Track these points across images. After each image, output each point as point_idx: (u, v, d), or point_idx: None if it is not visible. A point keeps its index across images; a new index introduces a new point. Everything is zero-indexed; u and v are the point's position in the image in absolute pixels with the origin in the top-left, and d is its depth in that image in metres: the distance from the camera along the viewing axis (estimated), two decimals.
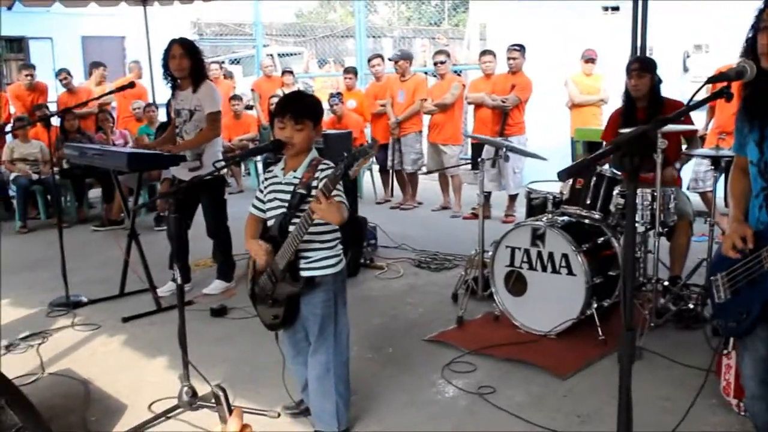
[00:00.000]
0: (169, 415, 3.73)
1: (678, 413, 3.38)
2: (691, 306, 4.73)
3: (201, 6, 10.83)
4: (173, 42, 5.49)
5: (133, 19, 11.60)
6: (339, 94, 9.51)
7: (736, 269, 2.66)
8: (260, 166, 10.98)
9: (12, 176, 8.84)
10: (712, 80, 2.19)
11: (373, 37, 21.94)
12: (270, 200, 3.33)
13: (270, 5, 14.60)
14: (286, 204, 3.23)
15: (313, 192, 3.05)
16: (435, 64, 8.83)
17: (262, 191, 3.41)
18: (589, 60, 8.87)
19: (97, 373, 4.31)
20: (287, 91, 10.78)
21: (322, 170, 3.19)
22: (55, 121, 9.46)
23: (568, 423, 3.54)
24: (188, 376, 3.77)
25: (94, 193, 9.83)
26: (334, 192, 2.92)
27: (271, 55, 15.72)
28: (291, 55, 19.52)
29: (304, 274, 3.23)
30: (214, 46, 18.70)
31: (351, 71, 10.22)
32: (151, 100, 10.51)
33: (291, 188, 3.24)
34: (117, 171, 5.83)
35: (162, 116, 9.90)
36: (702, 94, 2.27)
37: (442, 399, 3.89)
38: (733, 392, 3.62)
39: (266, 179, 3.42)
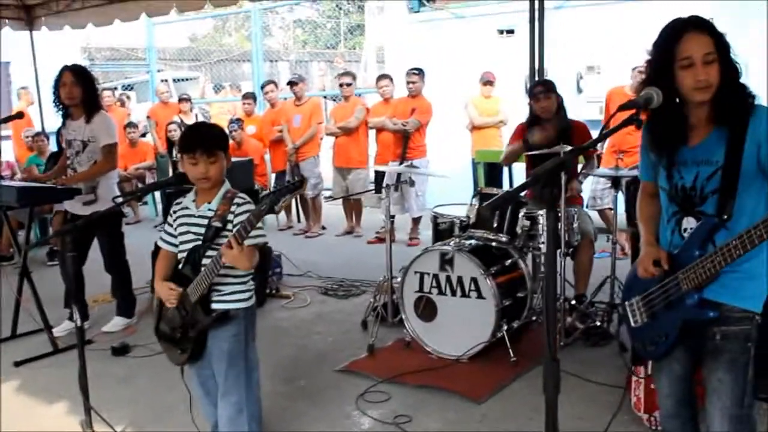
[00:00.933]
0: None
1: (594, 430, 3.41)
2: (598, 323, 4.82)
3: (91, 30, 10.45)
4: (64, 69, 5.26)
5: (18, 44, 11.12)
6: (239, 120, 9.35)
7: (652, 293, 2.67)
8: (158, 195, 10.70)
9: None
10: (623, 108, 2.21)
11: (270, 60, 21.81)
12: (182, 233, 3.22)
13: (163, 29, 14.30)
14: (201, 237, 3.13)
15: (229, 226, 3.03)
16: (341, 85, 8.81)
17: (171, 224, 3.29)
18: (488, 82, 9.01)
19: None
20: (185, 118, 10.56)
21: (239, 204, 3.12)
22: None
23: None
24: (90, 423, 3.58)
25: None
26: (253, 232, 2.88)
27: (166, 80, 15.40)
28: (186, 80, 19.17)
29: (215, 306, 3.14)
30: (105, 72, 18.20)
31: (250, 96, 10.09)
32: (39, 129, 10.07)
33: (205, 221, 3.14)
34: (6, 206, 5.51)
35: (53, 146, 9.52)
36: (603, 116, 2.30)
37: (359, 431, 3.82)
38: (644, 407, 3.69)
39: (174, 212, 3.28)
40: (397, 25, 11.32)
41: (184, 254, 3.21)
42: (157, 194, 10.72)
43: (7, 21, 9.65)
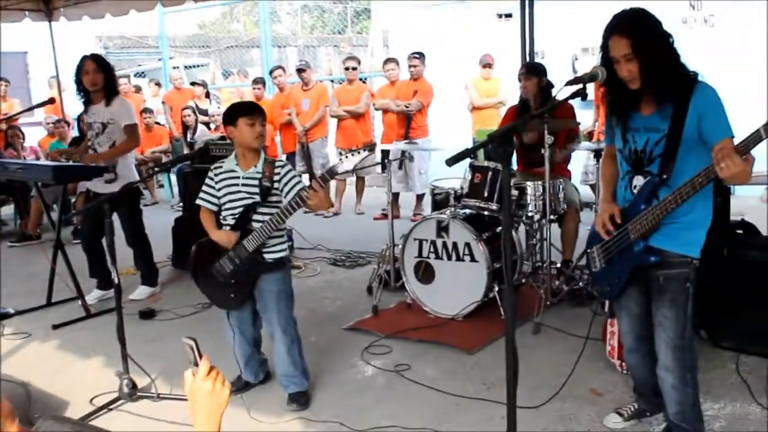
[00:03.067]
0: (111, 407, 4.00)
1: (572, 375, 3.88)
2: (581, 285, 5.26)
3: (106, 20, 10.86)
4: (86, 58, 5.69)
5: (34, 34, 11.56)
6: None
7: (608, 242, 3.15)
8: (174, 178, 11.15)
9: None
10: (570, 83, 2.66)
11: (278, 46, 22.15)
12: (229, 193, 3.79)
13: (173, 17, 14.73)
14: (253, 195, 3.73)
15: (276, 185, 3.71)
16: (346, 69, 9.25)
17: (212, 187, 3.86)
18: (487, 65, 9.43)
19: (33, 378, 4.49)
20: (199, 102, 11.02)
21: (281, 167, 3.77)
22: None
23: (476, 391, 3.99)
24: (127, 369, 4.07)
25: (5, 211, 9.83)
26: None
27: (177, 67, 15.83)
28: (197, 66, 19.57)
29: (269, 257, 3.77)
30: (118, 60, 18.62)
31: (260, 81, 10.52)
32: (60, 116, 10.53)
33: (254, 182, 3.73)
34: (42, 184, 5.98)
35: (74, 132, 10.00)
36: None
37: (363, 378, 4.31)
38: (617, 355, 4.14)
39: (216, 175, 3.86)
40: (401, 10, 11.74)
41: (232, 211, 3.79)
42: (173, 177, 11.18)
43: (27, 12, 10.09)
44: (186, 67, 18.36)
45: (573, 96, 2.56)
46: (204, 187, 3.91)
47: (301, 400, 3.92)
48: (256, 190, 3.76)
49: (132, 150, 5.81)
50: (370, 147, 3.59)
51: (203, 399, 1.75)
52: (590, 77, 2.63)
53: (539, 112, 2.44)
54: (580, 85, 2.56)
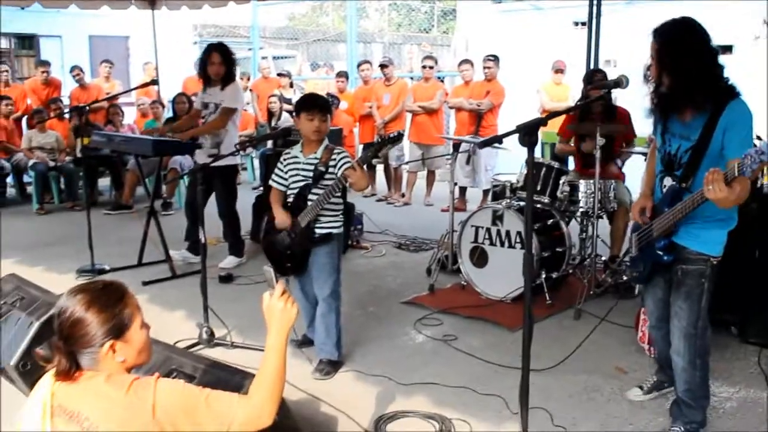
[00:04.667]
0: (191, 350, 4.57)
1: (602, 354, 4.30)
2: (625, 278, 5.61)
3: (203, 10, 11.57)
4: (212, 48, 6.34)
5: (136, 20, 12.40)
6: (334, 96, 10.39)
7: (641, 233, 3.55)
8: (257, 162, 11.81)
9: (30, 163, 9.64)
10: (595, 87, 3.09)
11: (364, 42, 22.70)
12: (292, 176, 4.31)
13: (264, 8, 15.44)
14: (308, 178, 4.23)
15: (331, 170, 4.17)
16: (423, 67, 9.78)
17: (282, 170, 4.38)
18: (559, 70, 9.80)
19: None
20: (284, 92, 11.67)
21: (338, 153, 4.23)
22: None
23: (512, 361, 4.40)
24: (207, 318, 4.65)
25: (102, 182, 10.66)
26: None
27: (266, 57, 16.56)
28: (285, 57, 20.32)
29: (318, 231, 4.24)
30: None
31: (343, 75, 11.11)
32: (155, 98, 11.32)
33: (311, 166, 4.23)
34: (141, 156, 6.65)
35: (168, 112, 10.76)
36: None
37: (414, 343, 4.80)
38: (647, 340, 4.51)
39: (284, 160, 4.39)
40: (481, 14, 12.16)
41: (293, 191, 4.30)
42: (256, 161, 11.84)
43: (133, 1, 10.90)
44: (274, 57, 19.11)
45: (595, 100, 2.98)
46: (275, 170, 4.44)
47: (325, 368, 4.30)
48: (311, 173, 4.24)
49: (217, 129, 6.33)
50: (397, 137, 3.99)
51: (276, 314, 2.28)
52: (615, 83, 3.03)
53: (568, 109, 2.79)
54: (605, 90, 2.98)
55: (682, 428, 3.46)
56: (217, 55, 6.28)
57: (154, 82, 6.87)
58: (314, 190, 4.21)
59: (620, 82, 2.98)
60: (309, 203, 4.22)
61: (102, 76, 11.97)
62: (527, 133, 2.50)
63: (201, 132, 6.31)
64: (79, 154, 9.71)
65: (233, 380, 2.89)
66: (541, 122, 2.58)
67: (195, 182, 6.06)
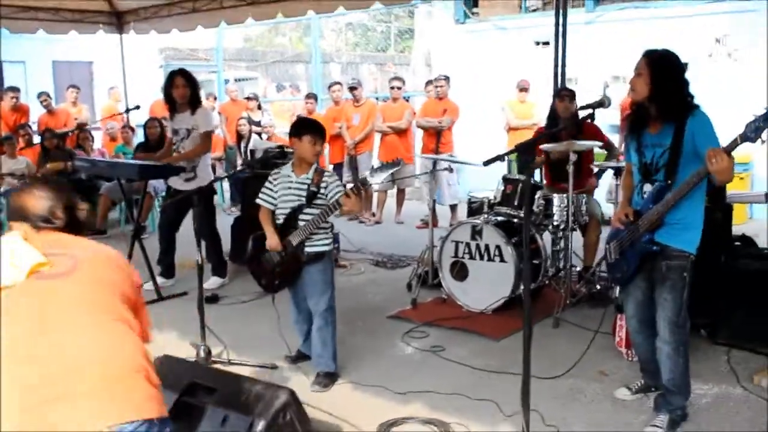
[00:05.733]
0: None
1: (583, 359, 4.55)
2: (599, 287, 5.89)
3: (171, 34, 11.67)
4: (175, 73, 6.50)
5: (100, 45, 12.45)
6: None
7: (621, 238, 3.85)
8: (226, 184, 11.91)
9: (1, 189, 9.63)
10: (581, 108, 3.36)
11: (322, 62, 22.94)
12: (283, 194, 4.47)
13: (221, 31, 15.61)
14: (301, 198, 4.40)
15: (322, 191, 4.37)
16: (391, 88, 10.07)
17: (271, 189, 4.54)
18: (523, 89, 10.15)
19: None
20: (252, 114, 11.83)
21: (329, 176, 4.46)
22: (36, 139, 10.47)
23: (499, 367, 4.65)
24: (204, 337, 4.80)
25: None
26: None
27: (228, 80, 16.70)
28: (246, 79, 20.45)
29: (309, 250, 4.42)
30: None
31: (312, 97, 11.31)
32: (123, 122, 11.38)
33: (303, 186, 4.41)
34: (126, 180, 6.77)
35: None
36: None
37: (403, 355, 5.02)
38: (624, 344, 4.79)
39: (275, 179, 4.55)
40: (443, 33, 12.47)
41: (283, 210, 4.47)
42: (225, 184, 11.93)
43: (101, 25, 10.99)
44: (236, 80, 19.25)
45: (585, 119, 3.25)
46: (264, 189, 4.59)
47: (323, 381, 4.48)
48: (304, 193, 4.43)
49: (204, 153, 6.55)
50: (395, 162, 4.32)
51: None
52: (599, 104, 3.32)
53: (551, 132, 3.07)
54: (590, 110, 3.25)
55: (668, 416, 3.75)
56: (180, 79, 6.44)
57: (137, 107, 6.97)
58: (306, 210, 4.39)
59: (603, 102, 3.25)
60: (300, 223, 4.40)
61: (69, 101, 12.02)
62: (524, 151, 2.74)
63: (186, 158, 6.43)
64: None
65: (254, 389, 3.06)
66: (536, 141, 2.82)
67: (179, 208, 6.28)
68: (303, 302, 4.62)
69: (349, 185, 4.42)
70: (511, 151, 2.92)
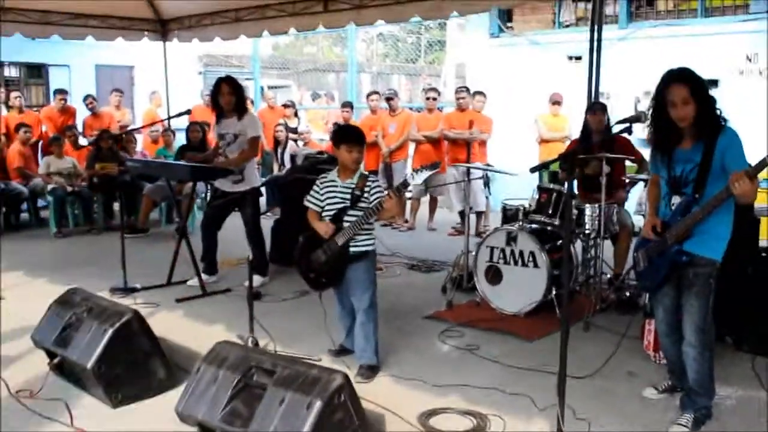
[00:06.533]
0: None
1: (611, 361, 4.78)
2: (628, 294, 6.11)
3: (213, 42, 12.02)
4: (221, 81, 6.82)
5: (141, 51, 12.86)
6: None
7: (650, 248, 4.07)
8: (263, 189, 12.19)
9: (49, 188, 10.03)
10: (619, 122, 3.60)
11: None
12: (329, 198, 4.76)
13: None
14: (346, 201, 4.68)
15: (365, 195, 4.64)
16: (427, 98, 10.39)
17: (318, 192, 4.83)
18: (556, 102, 10.39)
19: (168, 336, 5.46)
20: (288, 121, 12.15)
21: (372, 181, 4.72)
22: (83, 141, 10.86)
23: (533, 365, 4.89)
24: (252, 329, 5.07)
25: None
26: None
27: (263, 87, 17.07)
28: (279, 87, 20.81)
29: (354, 250, 4.68)
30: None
31: (348, 105, 11.61)
32: (166, 125, 11.74)
33: (348, 191, 4.69)
34: (179, 181, 7.08)
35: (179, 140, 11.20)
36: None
37: (440, 352, 5.28)
38: (652, 348, 5.00)
39: (322, 183, 4.84)
40: (477, 46, 12.74)
41: (329, 212, 4.75)
42: (263, 188, 12.22)
43: (146, 33, 11.39)
44: (269, 87, 19.62)
45: (621, 132, 3.49)
46: (311, 192, 4.88)
47: (366, 373, 4.72)
48: (349, 197, 4.70)
49: (254, 158, 6.87)
50: (435, 164, 4.57)
51: None
52: (635, 119, 3.55)
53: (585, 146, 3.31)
54: (627, 124, 3.49)
55: (693, 415, 3.96)
56: (226, 86, 6.73)
57: (188, 111, 7.27)
58: (350, 212, 4.66)
59: (639, 118, 3.50)
60: (345, 224, 4.67)
61: (113, 105, 12.45)
62: (567, 160, 2.99)
63: (237, 162, 6.71)
64: (96, 180, 10.15)
65: (310, 373, 3.32)
66: (576, 152, 3.06)
67: (214, 207, 6.83)
68: (347, 299, 4.89)
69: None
70: (554, 161, 3.16)
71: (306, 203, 4.90)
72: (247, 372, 3.51)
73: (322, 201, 4.83)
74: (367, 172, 4.83)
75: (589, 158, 5.73)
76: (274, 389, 3.32)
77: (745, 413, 4.23)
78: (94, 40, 11.11)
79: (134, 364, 4.31)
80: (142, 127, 10.25)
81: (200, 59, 17.29)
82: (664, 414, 4.19)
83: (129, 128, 10.61)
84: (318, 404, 3.15)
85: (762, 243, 5.54)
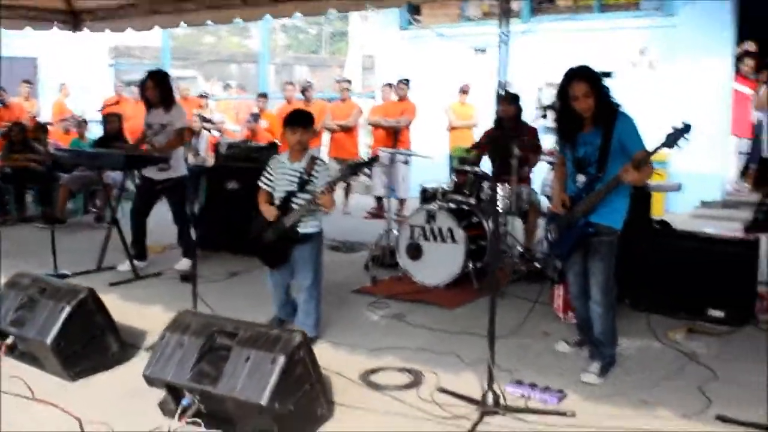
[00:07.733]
0: None
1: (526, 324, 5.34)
2: (537, 265, 6.69)
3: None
4: (148, 75, 7.13)
5: (45, 41, 12.66)
6: (257, 114, 11.18)
7: (560, 221, 4.60)
8: None
9: None
10: (539, 109, 4.11)
11: (254, 62, 23.39)
12: (279, 179, 5.08)
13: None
14: (294, 183, 5.00)
15: (313, 178, 4.94)
16: (342, 89, 10.77)
17: (270, 173, 5.14)
18: (464, 92, 11.00)
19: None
20: (202, 112, 12.33)
21: (319, 164, 5.05)
22: None
23: (456, 330, 5.38)
24: (195, 305, 5.35)
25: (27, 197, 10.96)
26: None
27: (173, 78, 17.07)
28: (184, 78, 20.75)
29: (301, 231, 5.02)
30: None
31: (263, 96, 11.91)
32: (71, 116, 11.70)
33: (296, 173, 5.02)
34: (111, 169, 7.26)
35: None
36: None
37: (371, 321, 5.75)
38: (561, 309, 5.60)
39: (273, 164, 5.17)
40: (387, 38, 13.23)
41: (280, 193, 5.06)
42: None
43: (55, 22, 11.27)
44: (176, 78, 19.55)
45: (537, 118, 4.00)
46: (264, 173, 5.19)
47: None
48: (296, 179, 5.04)
49: (178, 147, 7.12)
50: (373, 159, 4.97)
51: None
52: (551, 107, 4.09)
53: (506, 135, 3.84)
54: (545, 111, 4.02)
55: (600, 363, 4.52)
56: (150, 81, 7.07)
57: (117, 102, 7.46)
58: (299, 194, 4.99)
59: (554, 106, 4.02)
60: (294, 206, 5.00)
61: (22, 96, 12.32)
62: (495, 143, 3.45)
63: (164, 150, 6.96)
64: (8, 171, 10.10)
65: (271, 333, 3.69)
66: (501, 138, 3.53)
67: (142, 195, 7.17)
68: (284, 274, 5.24)
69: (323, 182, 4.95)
70: (476, 145, 3.62)
71: (259, 183, 5.18)
72: (211, 336, 3.83)
73: (272, 182, 5.13)
74: (317, 156, 5.17)
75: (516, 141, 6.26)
76: (238, 349, 3.66)
77: (643, 360, 4.85)
78: None
79: (91, 339, 4.57)
80: (59, 120, 10.24)
81: (110, 51, 17.13)
82: (575, 363, 4.74)
83: (43, 121, 10.51)
84: (282, 359, 3.51)
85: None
